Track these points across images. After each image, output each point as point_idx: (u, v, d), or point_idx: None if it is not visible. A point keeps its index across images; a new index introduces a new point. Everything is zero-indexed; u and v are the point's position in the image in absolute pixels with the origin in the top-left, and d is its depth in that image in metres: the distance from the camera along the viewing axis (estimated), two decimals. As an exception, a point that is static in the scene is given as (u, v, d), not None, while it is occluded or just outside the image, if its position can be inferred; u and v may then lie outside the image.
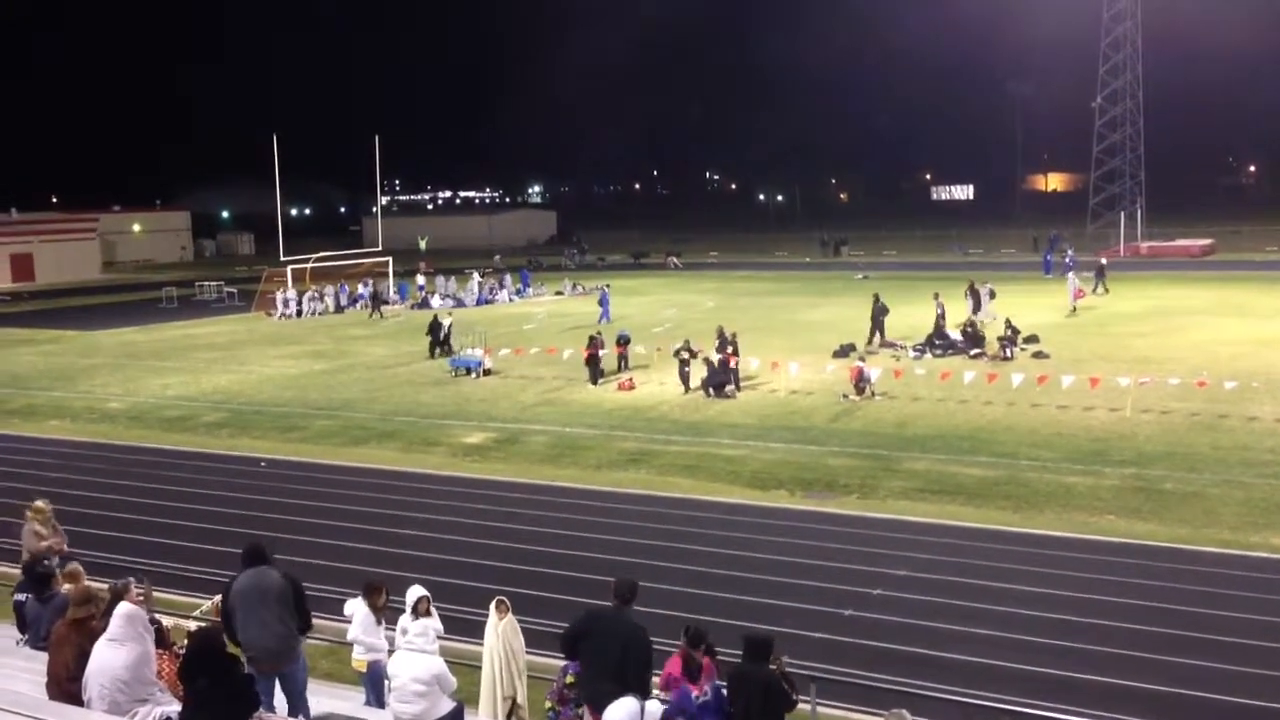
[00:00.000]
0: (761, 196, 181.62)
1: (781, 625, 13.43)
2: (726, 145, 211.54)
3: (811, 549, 17.17)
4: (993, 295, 41.80)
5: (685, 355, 29.34)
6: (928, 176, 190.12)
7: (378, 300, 51.35)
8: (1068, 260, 59.26)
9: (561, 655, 9.54)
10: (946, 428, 24.70)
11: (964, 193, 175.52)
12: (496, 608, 10.31)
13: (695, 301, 51.44)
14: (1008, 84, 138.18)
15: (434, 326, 37.49)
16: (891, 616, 14.50)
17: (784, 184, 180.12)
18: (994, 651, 13.36)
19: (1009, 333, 33.53)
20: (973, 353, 33.28)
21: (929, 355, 33.71)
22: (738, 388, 29.08)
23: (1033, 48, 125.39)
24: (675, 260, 75.92)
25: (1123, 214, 74.35)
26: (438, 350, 36.73)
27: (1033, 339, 34.68)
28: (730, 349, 29.42)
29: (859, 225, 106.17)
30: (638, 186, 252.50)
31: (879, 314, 36.02)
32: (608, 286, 48.73)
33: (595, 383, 30.77)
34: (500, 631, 10.22)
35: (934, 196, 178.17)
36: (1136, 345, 34.50)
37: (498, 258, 78.62)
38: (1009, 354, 32.66)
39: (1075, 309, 43.33)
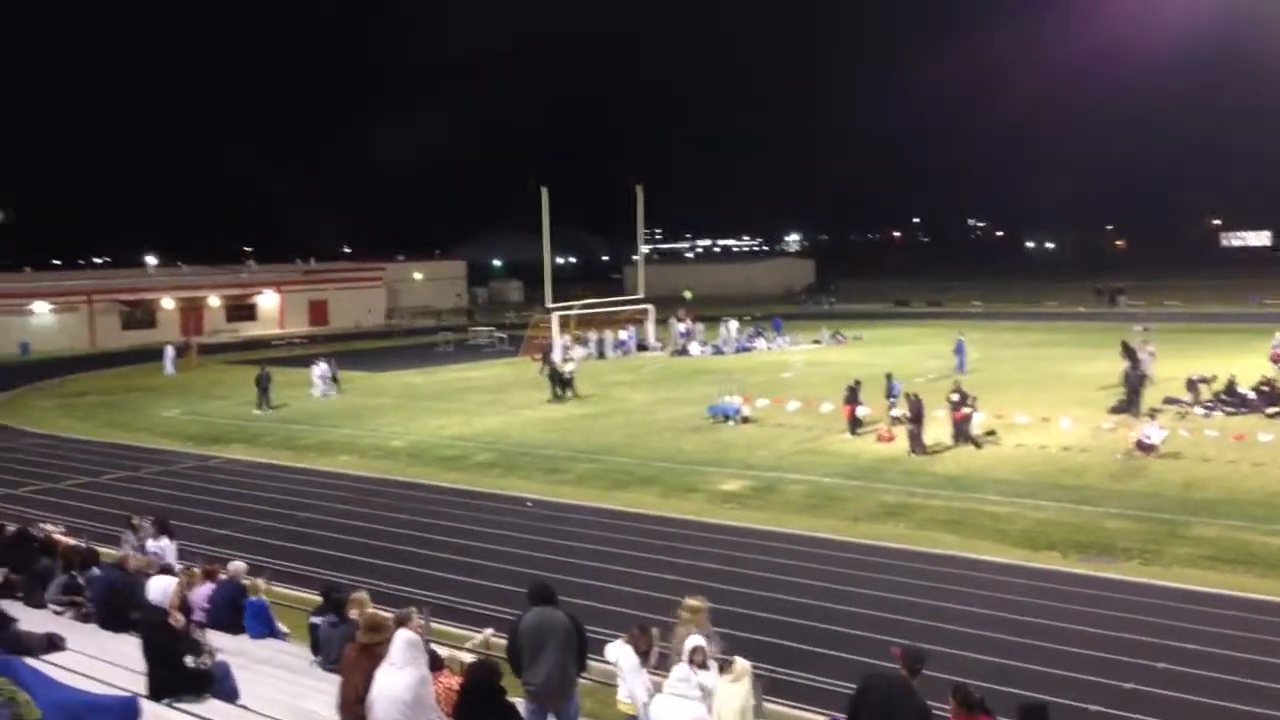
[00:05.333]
0: (1030, 244, 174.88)
1: (1055, 695, 12.71)
2: (995, 192, 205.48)
3: (1087, 615, 16.18)
4: (1153, 355, 36.17)
5: (903, 414, 28.51)
6: (1216, 223, 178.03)
7: (548, 354, 51.13)
8: None
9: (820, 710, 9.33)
10: (1240, 492, 22.83)
11: (1259, 239, 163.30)
12: (724, 669, 10.12)
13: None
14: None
15: (553, 375, 40.40)
16: (1179, 693, 13.44)
17: (1055, 231, 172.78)
18: (1299, 740, 12.17)
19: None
20: (1269, 411, 30.68)
21: (1219, 413, 31.31)
22: (964, 443, 28.25)
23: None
24: (829, 299, 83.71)
25: None
26: (566, 393, 39.72)
27: (1341, 398, 31.67)
28: (969, 406, 28.54)
29: (1138, 274, 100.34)
30: (897, 234, 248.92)
31: (1137, 381, 32.07)
32: (961, 335, 45.68)
33: (854, 432, 30.31)
34: (726, 690, 10.01)
35: (1224, 243, 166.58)
36: None
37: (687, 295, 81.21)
38: (1313, 414, 29.94)
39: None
